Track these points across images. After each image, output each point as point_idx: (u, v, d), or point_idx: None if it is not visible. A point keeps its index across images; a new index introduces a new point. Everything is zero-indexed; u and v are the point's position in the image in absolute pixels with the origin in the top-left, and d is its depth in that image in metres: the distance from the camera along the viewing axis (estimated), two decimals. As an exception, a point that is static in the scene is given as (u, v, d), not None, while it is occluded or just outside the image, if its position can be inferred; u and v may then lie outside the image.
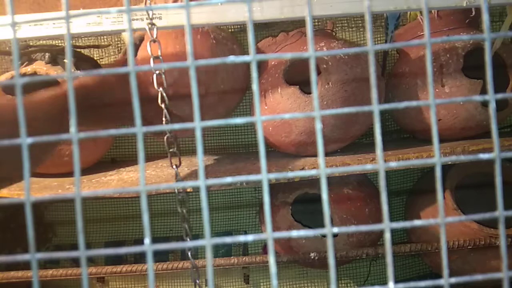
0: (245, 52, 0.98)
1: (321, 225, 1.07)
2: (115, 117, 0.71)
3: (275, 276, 0.22)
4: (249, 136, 1.17)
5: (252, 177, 0.23)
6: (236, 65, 0.90)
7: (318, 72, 0.82)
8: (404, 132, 1.13)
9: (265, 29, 1.08)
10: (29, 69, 0.91)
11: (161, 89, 0.66)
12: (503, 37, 0.81)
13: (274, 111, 0.86)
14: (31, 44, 1.00)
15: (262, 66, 0.92)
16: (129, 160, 1.13)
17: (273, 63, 0.88)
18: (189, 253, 0.74)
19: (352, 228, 0.23)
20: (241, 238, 0.22)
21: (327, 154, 0.90)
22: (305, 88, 0.85)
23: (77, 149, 0.21)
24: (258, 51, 1.02)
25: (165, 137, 0.69)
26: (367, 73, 0.83)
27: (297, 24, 1.01)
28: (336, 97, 0.82)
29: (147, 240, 0.22)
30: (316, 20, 1.06)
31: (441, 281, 0.22)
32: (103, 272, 0.90)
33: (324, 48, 0.85)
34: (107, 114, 0.68)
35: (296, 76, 0.85)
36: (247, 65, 0.92)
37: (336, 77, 0.82)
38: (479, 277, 0.22)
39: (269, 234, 0.23)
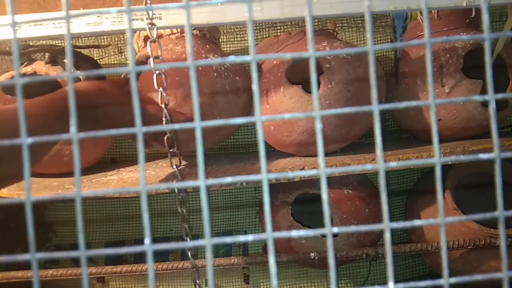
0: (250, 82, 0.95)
1: (321, 225, 1.07)
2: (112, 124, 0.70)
3: (275, 276, 0.22)
4: (249, 136, 1.17)
5: (252, 177, 0.23)
6: (236, 98, 0.87)
7: (321, 72, 0.82)
8: (404, 132, 1.13)
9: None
10: (29, 69, 0.91)
11: (161, 89, 0.67)
12: (504, 39, 0.81)
13: (276, 111, 0.85)
14: (31, 44, 1.00)
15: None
16: (129, 160, 1.13)
17: (275, 62, 0.88)
18: (189, 253, 0.74)
19: (352, 228, 0.23)
20: (241, 238, 0.22)
21: (328, 154, 0.90)
22: (308, 87, 0.84)
23: (77, 149, 0.21)
24: (259, 50, 1.02)
25: (165, 137, 0.69)
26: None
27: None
28: (339, 97, 0.82)
29: (147, 240, 0.22)
30: (316, 20, 1.06)
31: (441, 281, 0.22)
32: (103, 272, 0.90)
33: (326, 48, 0.85)
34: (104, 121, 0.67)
35: (299, 75, 0.85)
36: (247, 96, 0.89)
37: (339, 77, 0.82)
38: (479, 277, 0.22)
39: (269, 234, 0.23)
